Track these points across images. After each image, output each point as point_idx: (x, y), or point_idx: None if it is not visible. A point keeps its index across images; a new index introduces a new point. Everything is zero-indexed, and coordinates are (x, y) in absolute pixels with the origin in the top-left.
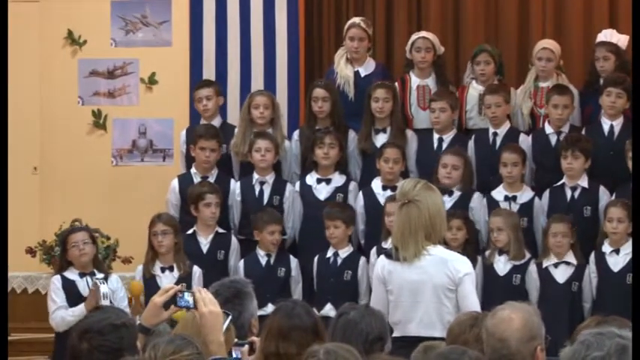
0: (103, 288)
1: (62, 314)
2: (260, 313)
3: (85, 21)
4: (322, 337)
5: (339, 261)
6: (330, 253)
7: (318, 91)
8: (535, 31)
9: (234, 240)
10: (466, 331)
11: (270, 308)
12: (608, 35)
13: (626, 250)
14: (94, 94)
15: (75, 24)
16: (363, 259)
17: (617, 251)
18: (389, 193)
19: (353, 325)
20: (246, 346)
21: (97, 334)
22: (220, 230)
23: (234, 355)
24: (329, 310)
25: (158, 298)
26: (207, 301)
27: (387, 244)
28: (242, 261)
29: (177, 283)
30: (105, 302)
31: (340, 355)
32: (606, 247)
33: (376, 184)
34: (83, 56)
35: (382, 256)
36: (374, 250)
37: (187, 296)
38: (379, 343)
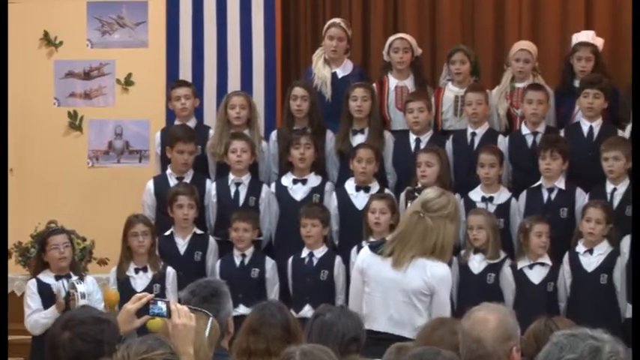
0: (81, 287)
1: (36, 317)
2: (235, 314)
3: (61, 22)
4: (295, 335)
5: (315, 261)
6: (305, 254)
7: (298, 90)
8: (511, 32)
9: (211, 241)
10: (436, 331)
11: (242, 309)
12: (589, 37)
13: (600, 250)
14: (70, 96)
15: (51, 25)
16: (338, 259)
17: (590, 251)
18: (362, 193)
19: (329, 327)
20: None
21: (79, 323)
22: (198, 231)
23: (159, 305)
24: (307, 311)
25: (131, 306)
26: (182, 314)
27: (373, 240)
28: (219, 262)
29: (151, 284)
30: (84, 301)
31: (316, 355)
32: (580, 248)
33: (349, 185)
34: (59, 57)
35: (366, 247)
36: (354, 250)
37: (160, 304)
38: (355, 344)
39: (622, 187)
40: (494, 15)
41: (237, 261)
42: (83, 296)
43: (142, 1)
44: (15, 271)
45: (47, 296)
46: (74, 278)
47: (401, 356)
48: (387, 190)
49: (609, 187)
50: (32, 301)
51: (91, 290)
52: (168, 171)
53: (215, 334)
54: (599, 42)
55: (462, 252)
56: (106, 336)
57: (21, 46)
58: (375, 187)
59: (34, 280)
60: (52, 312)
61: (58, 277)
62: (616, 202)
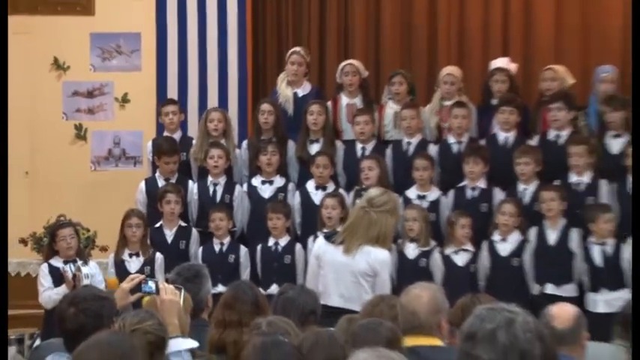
0: (85, 270)
1: (49, 293)
2: (213, 292)
3: (68, 50)
4: (263, 309)
5: (280, 248)
6: (271, 242)
7: (265, 106)
8: (441, 59)
9: (194, 232)
10: (376, 307)
11: (220, 288)
12: (504, 63)
13: (513, 238)
14: (75, 111)
15: (60, 52)
16: (299, 246)
17: (505, 239)
18: (320, 192)
19: (291, 302)
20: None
21: (82, 300)
22: (183, 224)
23: (149, 284)
24: (273, 289)
25: (126, 285)
26: (169, 291)
27: (327, 230)
28: (200, 248)
29: (142, 267)
30: (87, 281)
31: (280, 326)
32: (496, 236)
33: (310, 185)
34: (67, 79)
35: (321, 237)
36: (312, 239)
37: (151, 283)
38: (312, 316)
39: (531, 187)
40: (428, 44)
41: (216, 248)
42: (87, 277)
43: (136, 32)
44: (30, 256)
45: (57, 277)
46: (79, 262)
47: (350, 326)
48: (340, 190)
49: (521, 187)
50: (45, 281)
51: (94, 272)
52: (157, 174)
53: (187, 304)
54: (514, 67)
55: (400, 241)
56: (105, 311)
57: (35, 69)
58: (331, 187)
59: (45, 264)
60: (62, 289)
61: (66, 262)
62: (526, 199)
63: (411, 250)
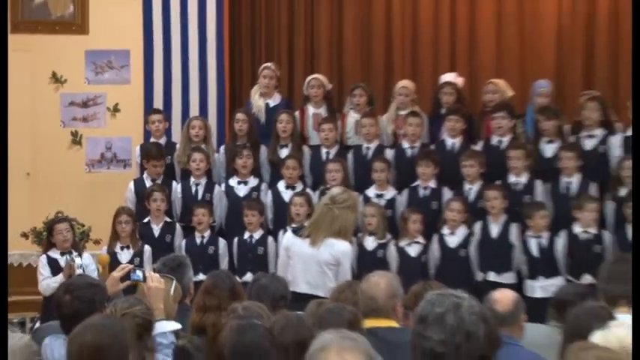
0: (79, 261)
1: (47, 282)
2: (194, 280)
3: (65, 65)
4: (239, 295)
5: (254, 241)
6: (246, 236)
7: (240, 115)
8: (397, 73)
9: (178, 227)
10: (342, 293)
11: (201, 276)
12: (452, 77)
13: (460, 232)
14: (72, 119)
15: (58, 67)
16: (271, 239)
17: (453, 233)
18: (289, 191)
19: (264, 289)
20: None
21: (77, 287)
22: (168, 219)
23: (137, 273)
24: (248, 277)
25: (116, 274)
26: (155, 279)
27: (295, 225)
28: (184, 241)
29: (132, 258)
30: (80, 271)
31: (254, 310)
32: (445, 230)
33: (281, 185)
34: (64, 91)
35: (290, 231)
36: (282, 233)
37: (139, 272)
38: (283, 301)
39: (476, 187)
40: (384, 61)
41: (198, 241)
42: (80, 267)
43: (125, 50)
44: (31, 248)
45: (54, 267)
46: (74, 254)
47: (318, 309)
48: (307, 189)
49: (467, 186)
50: (44, 270)
51: (87, 263)
52: (145, 175)
53: (177, 293)
54: (460, 81)
55: (360, 234)
56: (97, 297)
57: (35, 82)
58: (299, 187)
59: (44, 256)
60: (59, 278)
61: (62, 254)
62: (471, 197)
63: (370, 243)
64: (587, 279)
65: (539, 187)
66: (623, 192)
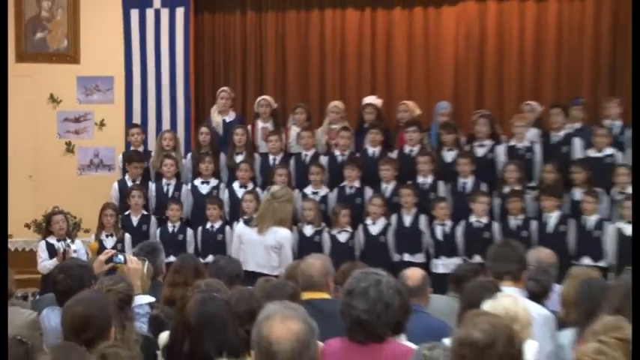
0: (73, 247)
1: (45, 263)
2: (166, 261)
3: (60, 88)
4: (202, 273)
5: (214, 230)
6: (208, 225)
7: (203, 129)
8: (329, 95)
9: (153, 219)
10: (293, 270)
11: (172, 258)
12: (372, 99)
13: (380, 222)
14: (66, 132)
15: (55, 90)
16: (228, 228)
17: (374, 223)
18: (243, 189)
19: (222, 268)
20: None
21: (69, 268)
22: (145, 213)
23: (119, 256)
24: (210, 259)
25: (102, 257)
26: (133, 261)
27: (246, 217)
28: (158, 230)
29: (115, 244)
30: (74, 255)
31: (214, 286)
32: (368, 221)
33: (236, 185)
34: (60, 109)
35: (241, 222)
36: (236, 223)
37: (120, 256)
38: (237, 278)
39: (391, 186)
40: (319, 85)
41: (169, 230)
42: (74, 252)
43: (110, 76)
44: (32, 237)
45: (51, 251)
46: (68, 241)
47: (266, 285)
48: (257, 188)
49: (384, 186)
50: (43, 254)
51: (79, 248)
52: (127, 177)
53: (149, 272)
54: (379, 102)
55: (300, 224)
56: (86, 276)
57: (36, 103)
58: (250, 186)
59: (43, 242)
60: (55, 261)
61: (58, 240)
62: (387, 194)
63: (308, 230)
64: (478, 259)
65: (442, 186)
66: (506, 190)
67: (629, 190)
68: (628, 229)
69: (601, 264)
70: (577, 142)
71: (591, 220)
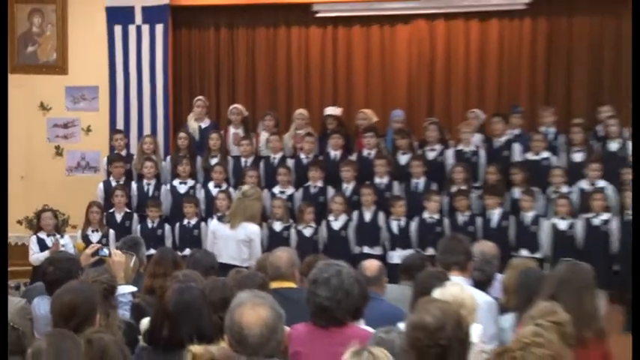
0: (62, 241)
1: (36, 256)
2: (147, 254)
3: (50, 97)
4: (180, 265)
5: (191, 225)
6: (185, 222)
7: (181, 134)
8: (295, 104)
9: (135, 215)
10: (263, 262)
11: (152, 251)
12: (332, 110)
13: (341, 218)
14: (55, 137)
15: (45, 98)
16: (203, 224)
17: (336, 219)
18: (217, 189)
19: (198, 260)
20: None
21: (58, 261)
22: (127, 210)
23: (104, 250)
24: (187, 252)
25: (88, 251)
26: (118, 255)
27: (219, 214)
28: (139, 226)
29: (100, 239)
30: (62, 249)
31: (191, 277)
32: (331, 217)
33: (211, 185)
34: (50, 116)
35: (215, 219)
36: (210, 219)
37: (105, 249)
38: (212, 270)
39: (351, 186)
40: (286, 94)
41: (150, 226)
42: (63, 246)
43: (95, 85)
44: (24, 232)
45: (41, 245)
46: (57, 236)
47: (237, 275)
48: (229, 188)
49: (345, 185)
50: (34, 247)
51: (67, 242)
52: (111, 178)
53: (136, 266)
54: (339, 111)
55: (269, 220)
56: (73, 268)
57: (28, 110)
58: (224, 186)
59: (34, 237)
60: (45, 254)
61: (48, 235)
62: (348, 193)
63: (277, 226)
64: (430, 251)
65: (397, 186)
66: (454, 189)
67: (564, 189)
68: (561, 224)
69: (537, 255)
70: (516, 147)
71: (528, 216)
